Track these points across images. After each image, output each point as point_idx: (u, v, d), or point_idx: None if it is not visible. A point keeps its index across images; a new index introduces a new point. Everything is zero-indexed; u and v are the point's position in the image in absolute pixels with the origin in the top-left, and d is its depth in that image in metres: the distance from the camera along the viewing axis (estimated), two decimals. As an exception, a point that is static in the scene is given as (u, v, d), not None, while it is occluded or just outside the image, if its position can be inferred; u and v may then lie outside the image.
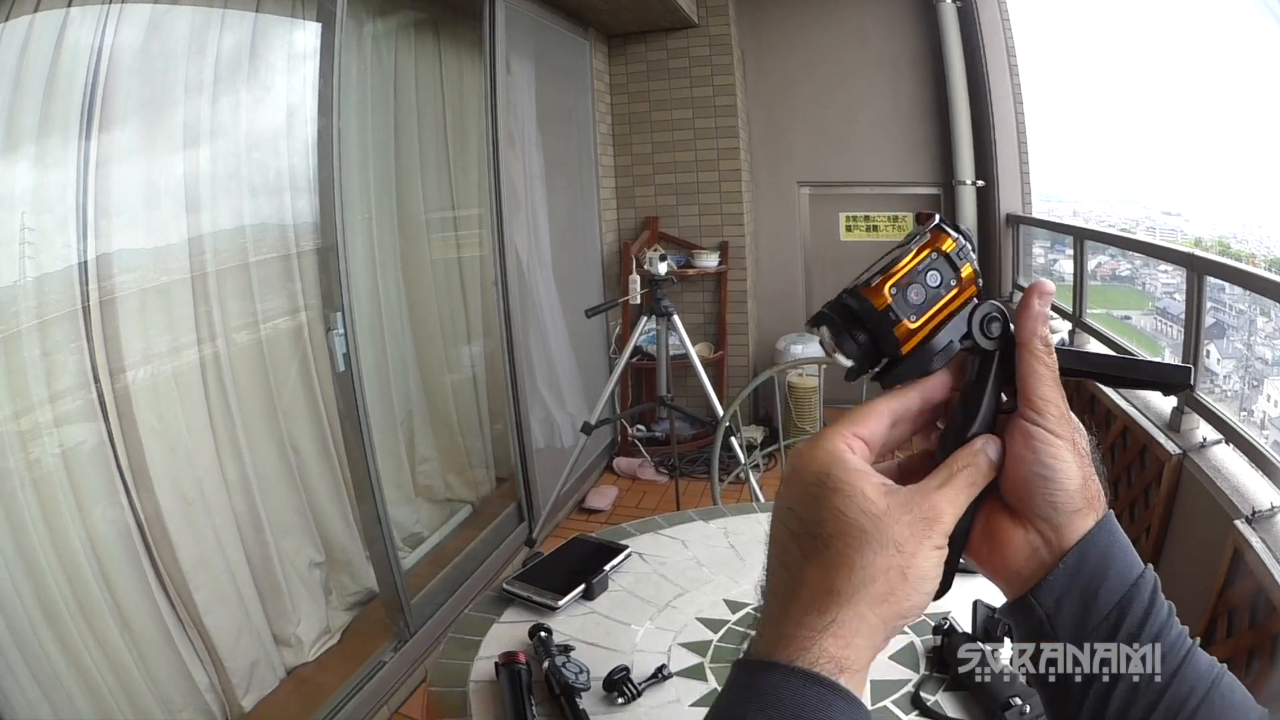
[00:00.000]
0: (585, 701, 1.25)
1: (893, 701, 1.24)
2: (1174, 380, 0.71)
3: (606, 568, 1.66)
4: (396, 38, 3.71)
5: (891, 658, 1.33)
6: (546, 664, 1.30)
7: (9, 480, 2.06)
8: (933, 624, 1.35)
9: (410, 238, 3.79)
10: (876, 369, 0.57)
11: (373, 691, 2.84)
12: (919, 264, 0.58)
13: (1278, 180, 3.44)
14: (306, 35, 2.88)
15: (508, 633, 1.48)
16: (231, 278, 2.71)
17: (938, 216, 0.60)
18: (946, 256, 0.59)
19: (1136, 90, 4.51)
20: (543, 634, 1.40)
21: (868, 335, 0.57)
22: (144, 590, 2.35)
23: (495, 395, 4.17)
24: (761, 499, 2.98)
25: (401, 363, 3.74)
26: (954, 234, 0.59)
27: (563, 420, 4.58)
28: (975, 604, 1.29)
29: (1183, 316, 3.02)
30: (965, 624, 1.32)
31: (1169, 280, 3.68)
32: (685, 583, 1.64)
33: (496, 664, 1.32)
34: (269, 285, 2.85)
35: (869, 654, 0.50)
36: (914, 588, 0.51)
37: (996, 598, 0.81)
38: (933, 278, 0.58)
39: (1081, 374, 0.65)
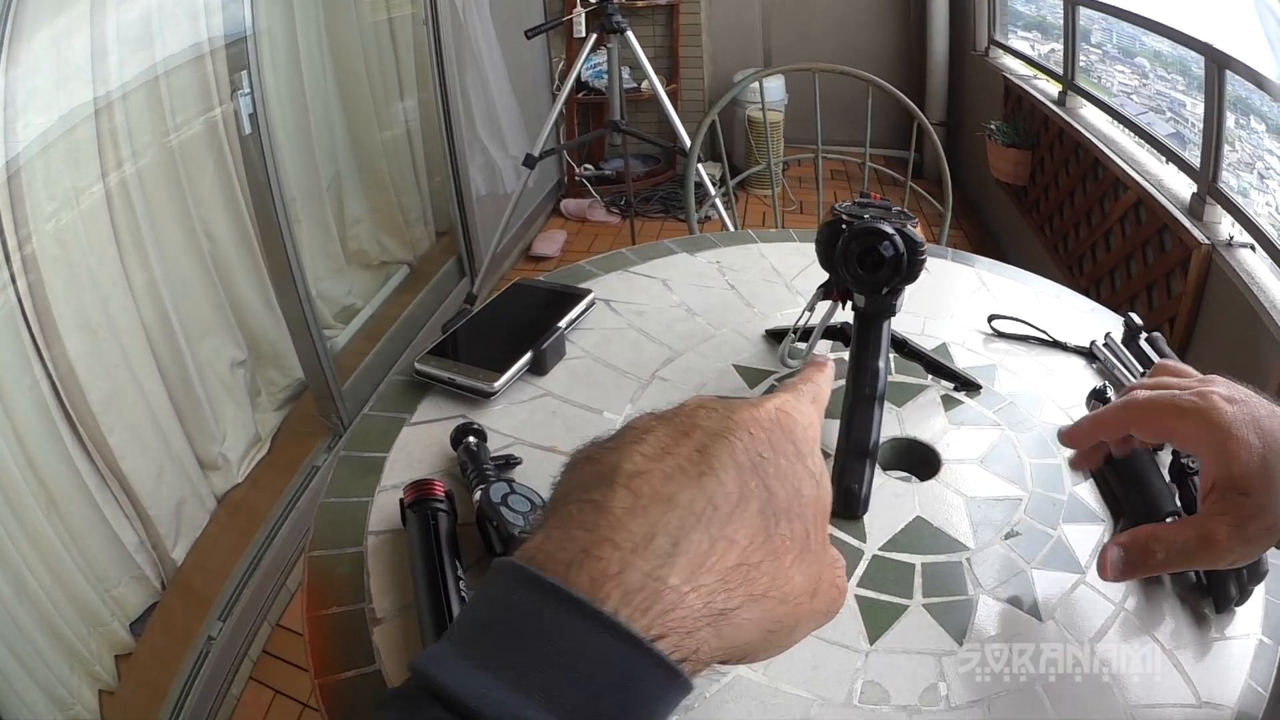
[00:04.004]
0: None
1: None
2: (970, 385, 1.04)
3: (562, 324, 1.12)
4: None
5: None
6: (478, 496, 0.80)
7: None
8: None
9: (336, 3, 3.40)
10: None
11: (308, 504, 2.65)
12: None
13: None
14: None
15: (422, 440, 0.97)
16: (141, 97, 2.32)
17: None
18: None
19: None
20: (471, 440, 0.90)
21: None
22: (63, 456, 2.06)
23: (431, 145, 3.91)
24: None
25: (326, 123, 3.37)
26: None
27: (505, 164, 4.26)
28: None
29: (1139, 121, 3.19)
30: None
31: (1126, 80, 3.46)
32: (676, 341, 1.14)
33: (402, 503, 0.81)
34: (181, 92, 2.46)
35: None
36: None
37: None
38: None
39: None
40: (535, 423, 0.99)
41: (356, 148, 3.59)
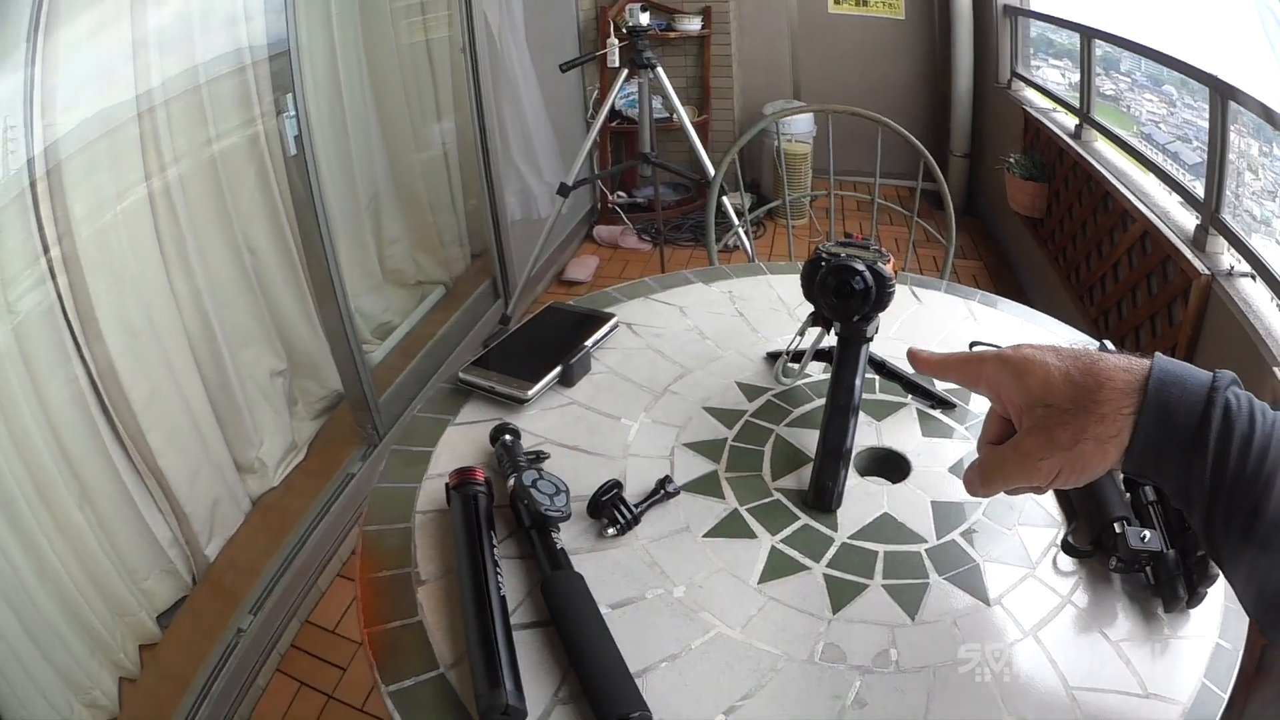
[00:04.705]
0: (564, 533, 0.93)
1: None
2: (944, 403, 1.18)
3: (588, 343, 1.29)
4: None
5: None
6: (512, 482, 0.95)
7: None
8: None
9: (375, 24, 3.44)
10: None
11: (343, 509, 2.69)
12: None
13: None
14: None
15: (464, 438, 1.13)
16: (183, 103, 2.38)
17: None
18: None
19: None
20: (507, 438, 1.05)
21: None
22: (100, 450, 2.13)
23: (468, 167, 3.92)
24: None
25: (366, 144, 3.43)
26: None
27: (539, 190, 4.28)
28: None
29: (1168, 145, 3.21)
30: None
31: (1155, 109, 3.47)
32: (687, 360, 1.29)
33: (448, 486, 0.97)
34: (223, 101, 2.52)
35: None
36: None
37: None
38: None
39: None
40: (562, 426, 1.15)
41: (395, 168, 3.64)
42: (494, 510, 0.95)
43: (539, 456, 1.04)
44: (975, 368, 0.78)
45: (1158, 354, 0.68)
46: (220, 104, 2.49)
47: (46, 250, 1.98)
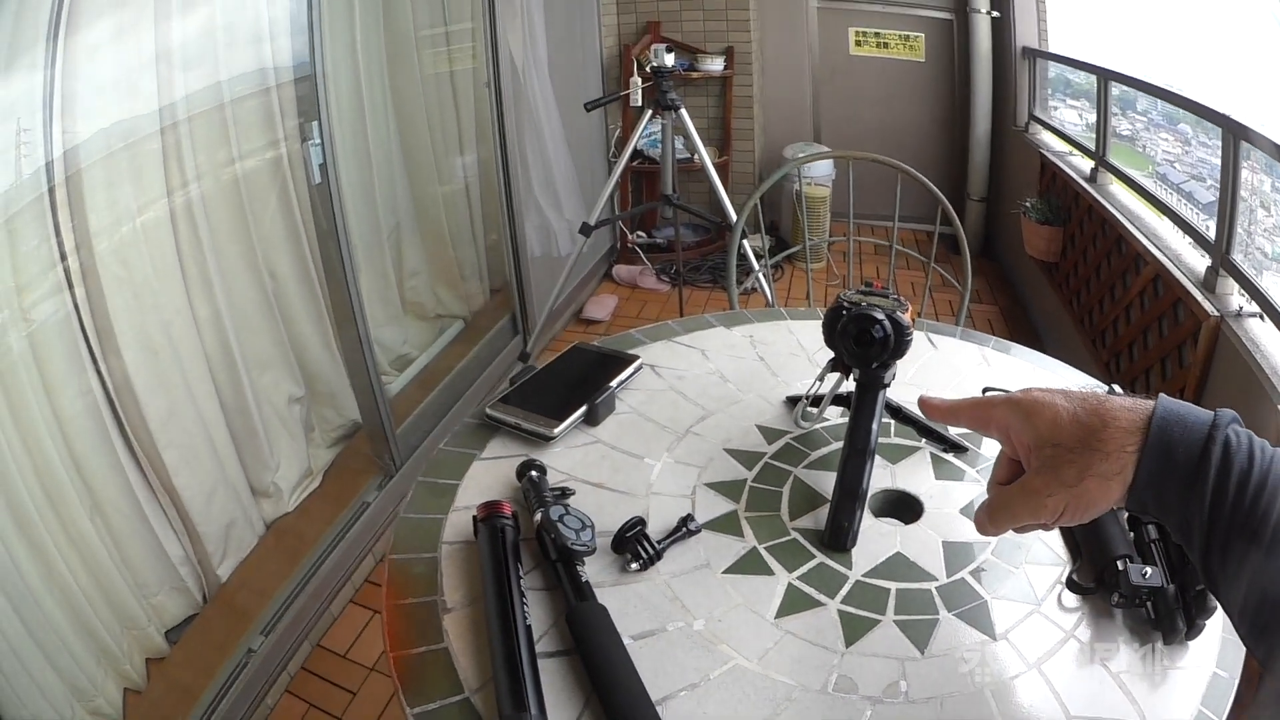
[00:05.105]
0: (588, 567, 0.96)
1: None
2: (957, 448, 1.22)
3: (613, 384, 1.33)
4: None
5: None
6: (539, 516, 0.99)
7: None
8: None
9: (400, 54, 3.47)
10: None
11: (357, 537, 2.69)
12: None
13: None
14: None
15: (491, 472, 1.17)
16: (205, 121, 2.41)
17: None
18: None
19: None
20: (534, 473, 1.09)
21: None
22: (112, 462, 2.15)
23: (489, 203, 3.94)
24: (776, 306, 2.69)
25: (389, 176, 3.47)
26: None
27: (559, 227, 4.30)
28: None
29: (1183, 184, 3.23)
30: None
31: (1170, 148, 3.49)
32: (709, 403, 1.33)
33: (475, 518, 1.01)
34: (246, 122, 2.55)
35: None
36: None
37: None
38: None
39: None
40: (587, 464, 1.19)
41: (416, 200, 3.67)
42: (520, 543, 0.99)
43: (564, 493, 1.08)
44: (985, 411, 0.81)
45: (1162, 395, 0.71)
46: (244, 124, 2.52)
47: (64, 258, 2.01)
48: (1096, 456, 0.69)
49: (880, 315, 1.08)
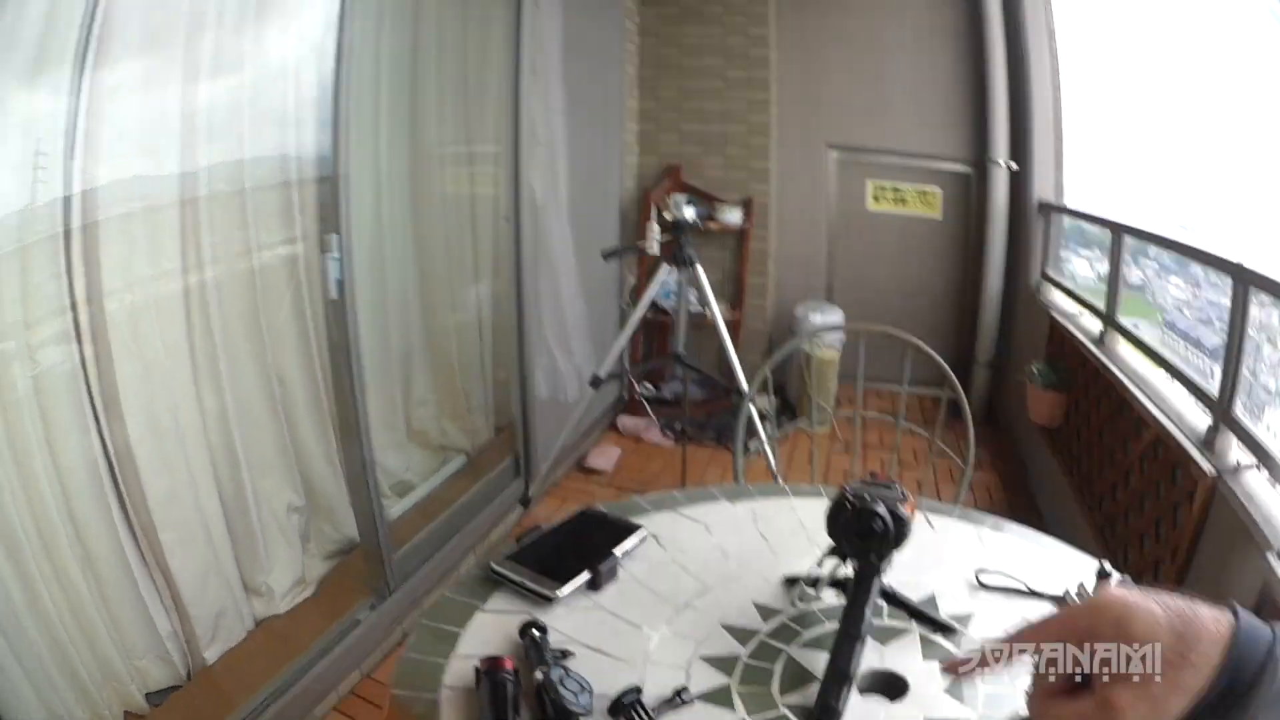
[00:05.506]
0: (585, 728, 1.00)
1: None
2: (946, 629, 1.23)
3: (617, 552, 1.38)
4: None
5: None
6: (540, 676, 1.03)
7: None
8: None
9: (421, 170, 3.57)
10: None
11: (346, 651, 2.68)
12: None
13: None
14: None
15: (493, 625, 1.22)
16: (225, 204, 2.50)
17: None
18: None
19: (1177, 98, 4.17)
20: (535, 633, 1.14)
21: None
22: (108, 524, 2.22)
23: (500, 339, 3.97)
24: (780, 478, 2.77)
25: (402, 297, 3.55)
26: None
27: (568, 371, 4.33)
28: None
29: (1190, 332, 3.30)
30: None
31: (1179, 294, 3.56)
32: (709, 577, 1.38)
33: (478, 669, 1.05)
34: (265, 213, 2.64)
35: None
36: None
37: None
38: None
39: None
40: (587, 628, 1.23)
41: (428, 327, 3.72)
42: (520, 697, 1.03)
43: (565, 654, 1.12)
44: (1070, 624, 0.70)
45: (1235, 604, 0.68)
46: (263, 214, 2.61)
47: (74, 307, 2.10)
48: (1188, 672, 0.65)
49: (882, 510, 1.14)
